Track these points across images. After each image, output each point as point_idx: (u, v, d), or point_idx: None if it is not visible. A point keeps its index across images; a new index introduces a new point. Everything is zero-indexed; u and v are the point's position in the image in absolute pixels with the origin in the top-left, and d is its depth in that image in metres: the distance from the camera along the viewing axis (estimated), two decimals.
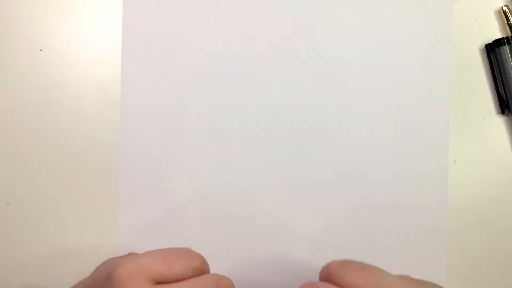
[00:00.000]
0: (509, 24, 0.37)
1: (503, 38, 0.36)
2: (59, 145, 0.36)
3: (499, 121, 0.37)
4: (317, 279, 0.26)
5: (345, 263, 0.25)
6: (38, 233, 0.35)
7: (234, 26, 0.37)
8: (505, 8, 0.37)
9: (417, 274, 0.36)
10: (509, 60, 0.36)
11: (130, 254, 0.33)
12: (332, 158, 0.36)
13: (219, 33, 0.37)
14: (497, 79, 0.37)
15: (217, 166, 0.36)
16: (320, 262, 0.26)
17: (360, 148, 0.37)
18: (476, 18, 0.38)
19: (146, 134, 0.36)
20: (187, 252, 0.27)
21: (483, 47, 0.37)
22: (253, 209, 0.36)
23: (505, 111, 0.37)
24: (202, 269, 0.27)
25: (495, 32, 0.37)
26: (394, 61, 0.37)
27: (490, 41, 0.37)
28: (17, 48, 0.36)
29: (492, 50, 0.37)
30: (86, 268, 0.34)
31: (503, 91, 0.36)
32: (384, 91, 0.37)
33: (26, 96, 0.36)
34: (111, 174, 0.36)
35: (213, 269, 0.27)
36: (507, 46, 0.36)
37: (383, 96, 0.37)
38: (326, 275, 0.26)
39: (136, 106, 0.36)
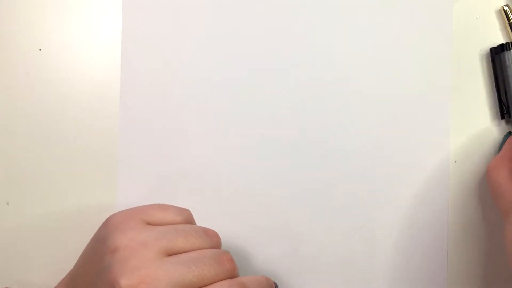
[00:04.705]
0: (510, 24, 0.37)
1: (508, 43, 0.36)
2: (59, 145, 0.36)
3: (499, 121, 0.37)
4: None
5: None
6: (38, 234, 0.35)
7: (234, 27, 0.37)
8: (505, 8, 0.37)
9: (418, 274, 0.36)
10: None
11: None
12: (332, 159, 0.36)
13: (218, 33, 0.37)
14: (499, 84, 0.36)
15: (216, 164, 0.36)
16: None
17: (361, 149, 0.37)
18: (477, 18, 0.37)
19: (145, 133, 0.36)
20: (178, 207, 0.30)
21: (483, 46, 0.37)
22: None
23: (505, 117, 0.36)
24: (190, 221, 0.30)
25: (496, 32, 0.37)
26: (394, 61, 0.37)
27: (494, 45, 0.36)
28: (17, 47, 0.36)
29: (496, 54, 0.36)
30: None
31: (504, 96, 0.36)
32: (385, 92, 0.37)
33: (26, 96, 0.36)
34: (111, 174, 0.36)
35: None
36: (511, 52, 0.36)
37: (383, 97, 0.37)
38: None
39: (135, 106, 0.36)
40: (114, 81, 0.36)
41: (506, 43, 0.35)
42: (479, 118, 0.37)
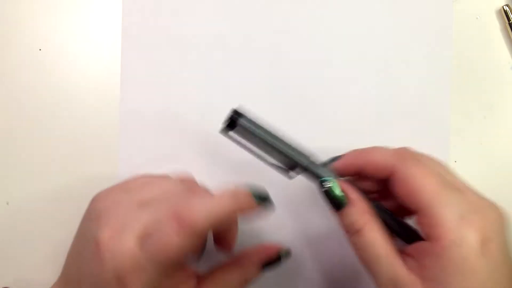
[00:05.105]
0: (510, 24, 0.37)
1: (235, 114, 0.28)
2: (59, 144, 0.36)
3: (499, 121, 0.37)
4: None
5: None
6: (37, 234, 0.35)
7: (234, 26, 0.37)
8: (505, 8, 0.37)
9: None
10: (257, 127, 0.28)
11: None
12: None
13: (218, 33, 0.37)
14: (261, 149, 0.28)
15: (217, 164, 0.36)
16: None
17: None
18: (477, 18, 0.37)
19: (145, 133, 0.36)
20: (165, 175, 0.30)
21: (483, 46, 0.37)
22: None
23: (291, 173, 0.29)
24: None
25: (496, 32, 0.37)
26: (394, 61, 0.37)
27: (494, 46, 0.36)
28: (17, 47, 0.36)
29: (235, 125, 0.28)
30: None
31: (280, 156, 0.28)
32: (385, 91, 0.37)
33: (26, 96, 0.36)
34: (110, 175, 0.36)
35: None
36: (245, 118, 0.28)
37: (383, 96, 0.37)
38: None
39: (135, 106, 0.36)
40: (114, 81, 0.36)
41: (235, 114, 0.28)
42: (479, 118, 0.37)
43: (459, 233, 0.24)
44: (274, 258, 0.29)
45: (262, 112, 0.36)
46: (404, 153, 0.27)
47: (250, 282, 0.28)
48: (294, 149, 0.27)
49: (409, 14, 0.37)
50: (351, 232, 0.26)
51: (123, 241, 0.24)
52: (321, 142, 0.36)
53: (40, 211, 0.35)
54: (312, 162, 0.27)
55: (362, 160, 0.28)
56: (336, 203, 0.27)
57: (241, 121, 0.26)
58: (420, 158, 0.27)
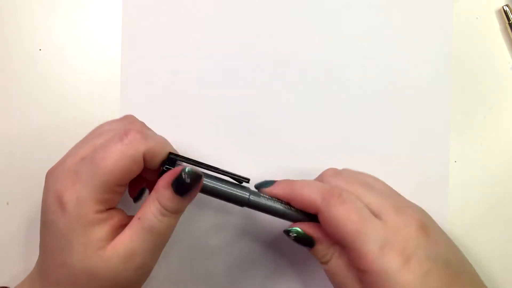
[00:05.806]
0: (510, 24, 0.37)
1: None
2: (59, 145, 0.36)
3: (499, 121, 0.37)
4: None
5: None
6: (37, 234, 0.35)
7: (234, 26, 0.37)
8: (505, 8, 0.37)
9: None
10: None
11: None
12: (331, 159, 0.36)
13: (218, 33, 0.37)
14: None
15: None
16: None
17: (360, 149, 0.37)
18: (477, 18, 0.37)
19: None
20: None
21: (483, 46, 0.37)
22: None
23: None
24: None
25: (496, 32, 0.37)
26: (394, 61, 0.37)
27: (495, 45, 0.36)
28: (17, 47, 0.36)
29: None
30: None
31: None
32: (384, 91, 0.37)
33: (26, 96, 0.36)
34: None
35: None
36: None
37: (383, 96, 0.37)
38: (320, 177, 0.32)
39: (136, 106, 0.36)
40: (114, 81, 0.37)
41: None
42: (479, 118, 0.37)
43: (381, 262, 0.26)
44: (178, 175, 0.28)
45: (262, 112, 0.37)
46: (328, 193, 0.29)
47: (170, 209, 0.28)
48: (229, 190, 0.30)
49: (409, 14, 0.37)
50: (324, 262, 0.30)
51: (64, 167, 0.29)
52: (320, 141, 0.36)
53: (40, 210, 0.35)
54: (250, 199, 0.30)
55: (290, 192, 0.30)
56: (307, 243, 0.30)
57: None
58: (342, 195, 0.28)
